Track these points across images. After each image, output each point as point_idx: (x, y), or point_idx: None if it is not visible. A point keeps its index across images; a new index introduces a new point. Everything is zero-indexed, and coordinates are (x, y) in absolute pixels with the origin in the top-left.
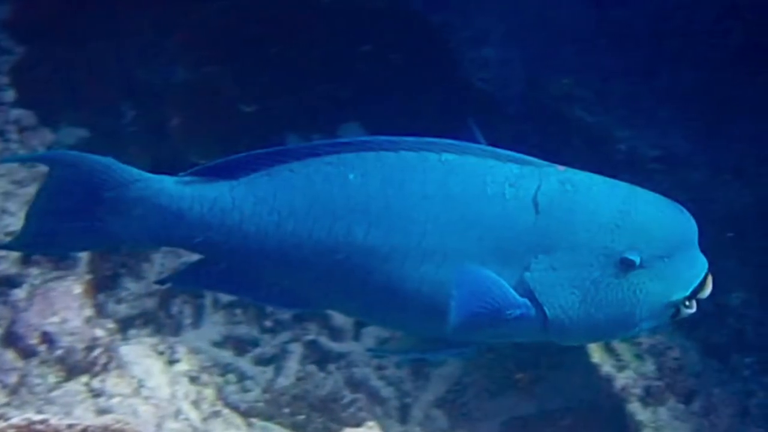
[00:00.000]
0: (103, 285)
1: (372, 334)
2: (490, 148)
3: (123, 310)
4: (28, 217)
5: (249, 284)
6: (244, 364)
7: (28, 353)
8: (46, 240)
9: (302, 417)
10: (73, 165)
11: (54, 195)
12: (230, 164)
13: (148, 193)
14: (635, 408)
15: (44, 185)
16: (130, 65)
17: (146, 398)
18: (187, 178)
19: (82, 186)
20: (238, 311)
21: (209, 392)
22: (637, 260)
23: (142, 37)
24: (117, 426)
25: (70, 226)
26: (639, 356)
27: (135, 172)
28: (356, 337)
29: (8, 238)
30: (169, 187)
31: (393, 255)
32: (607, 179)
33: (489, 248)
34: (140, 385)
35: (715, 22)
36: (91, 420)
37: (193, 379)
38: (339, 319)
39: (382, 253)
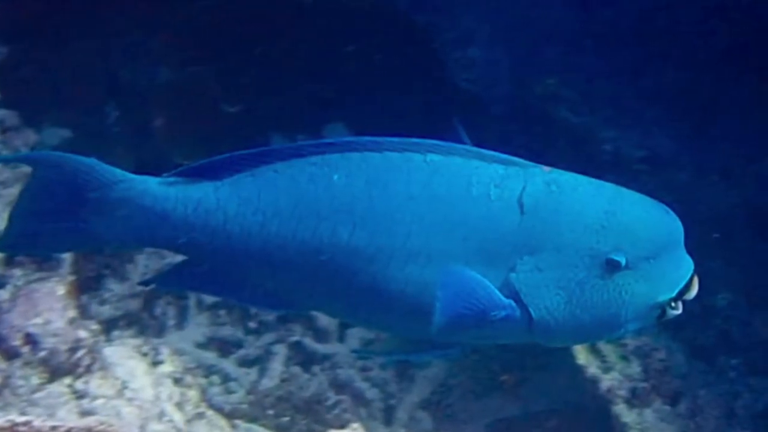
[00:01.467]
0: (86, 286)
1: (357, 335)
2: (475, 148)
3: (106, 311)
4: (12, 217)
5: (233, 285)
6: (228, 365)
7: (11, 354)
8: (30, 241)
9: (286, 419)
10: (56, 165)
11: (37, 196)
12: (214, 165)
13: (132, 194)
14: (621, 410)
15: (27, 186)
16: (114, 65)
17: (130, 400)
18: (171, 179)
19: (65, 187)
20: (222, 312)
21: (193, 394)
22: (623, 261)
23: (126, 37)
24: (100, 428)
25: (54, 226)
26: (625, 357)
27: (118, 172)
28: (341, 339)
29: None
30: (152, 187)
31: (378, 256)
32: (593, 180)
33: (474, 249)
34: (124, 386)
35: (701, 23)
36: (75, 421)
37: (177, 381)
38: (323, 320)
39: (367, 254)
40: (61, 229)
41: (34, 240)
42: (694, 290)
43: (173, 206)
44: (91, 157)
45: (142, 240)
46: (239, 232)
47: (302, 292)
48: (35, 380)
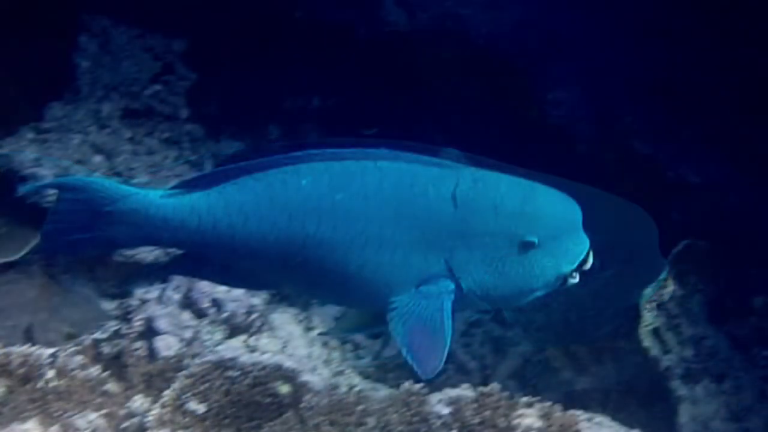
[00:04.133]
0: None
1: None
2: (415, 155)
3: None
4: (44, 234)
5: (222, 271)
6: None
7: (201, 314)
8: (61, 249)
9: None
10: (75, 189)
11: (64, 213)
12: (205, 178)
13: (139, 206)
14: (677, 385)
15: (56, 206)
16: None
17: (290, 356)
18: (170, 192)
19: (85, 204)
20: None
21: (336, 354)
22: (535, 241)
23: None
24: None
25: (79, 237)
26: (681, 343)
27: (124, 188)
28: None
29: None
30: (155, 199)
31: (340, 244)
32: (513, 178)
33: (417, 237)
34: (284, 345)
35: None
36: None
37: (325, 344)
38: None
39: (331, 243)
40: (85, 238)
41: (64, 248)
42: (590, 263)
43: (172, 213)
44: (103, 177)
45: (149, 241)
46: (226, 229)
47: (278, 275)
48: (218, 335)
